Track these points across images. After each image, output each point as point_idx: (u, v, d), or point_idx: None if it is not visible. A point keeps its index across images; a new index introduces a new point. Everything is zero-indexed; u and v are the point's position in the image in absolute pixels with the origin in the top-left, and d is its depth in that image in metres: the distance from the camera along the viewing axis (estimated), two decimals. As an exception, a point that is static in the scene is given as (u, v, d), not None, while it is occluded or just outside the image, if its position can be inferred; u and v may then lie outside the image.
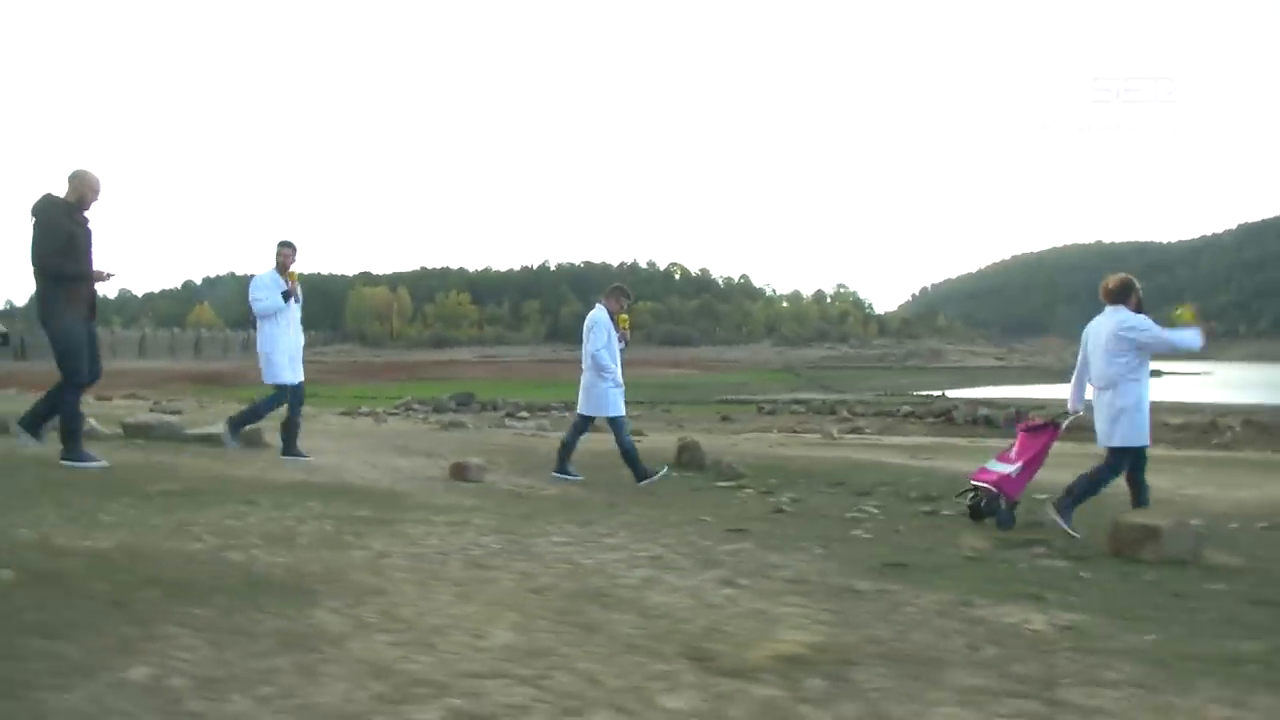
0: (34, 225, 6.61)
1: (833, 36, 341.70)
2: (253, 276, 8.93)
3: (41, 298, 6.69)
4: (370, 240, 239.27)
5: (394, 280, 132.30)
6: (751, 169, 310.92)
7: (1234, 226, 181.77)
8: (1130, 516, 6.33)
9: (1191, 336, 6.71)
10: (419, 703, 2.45)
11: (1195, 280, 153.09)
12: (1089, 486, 6.80)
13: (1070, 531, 6.49)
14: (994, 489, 7.04)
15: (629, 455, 8.80)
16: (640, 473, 8.68)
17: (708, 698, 2.63)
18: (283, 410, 8.80)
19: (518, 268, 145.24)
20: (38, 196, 6.66)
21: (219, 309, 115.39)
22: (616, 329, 9.08)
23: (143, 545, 4.09)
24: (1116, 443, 6.74)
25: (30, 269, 6.64)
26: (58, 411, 6.84)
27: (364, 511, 5.60)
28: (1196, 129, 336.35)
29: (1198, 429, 21.60)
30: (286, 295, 8.64)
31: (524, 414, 25.67)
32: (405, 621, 3.21)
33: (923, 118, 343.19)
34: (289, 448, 8.62)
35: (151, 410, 15.75)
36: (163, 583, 3.42)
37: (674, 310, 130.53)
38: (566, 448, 9.01)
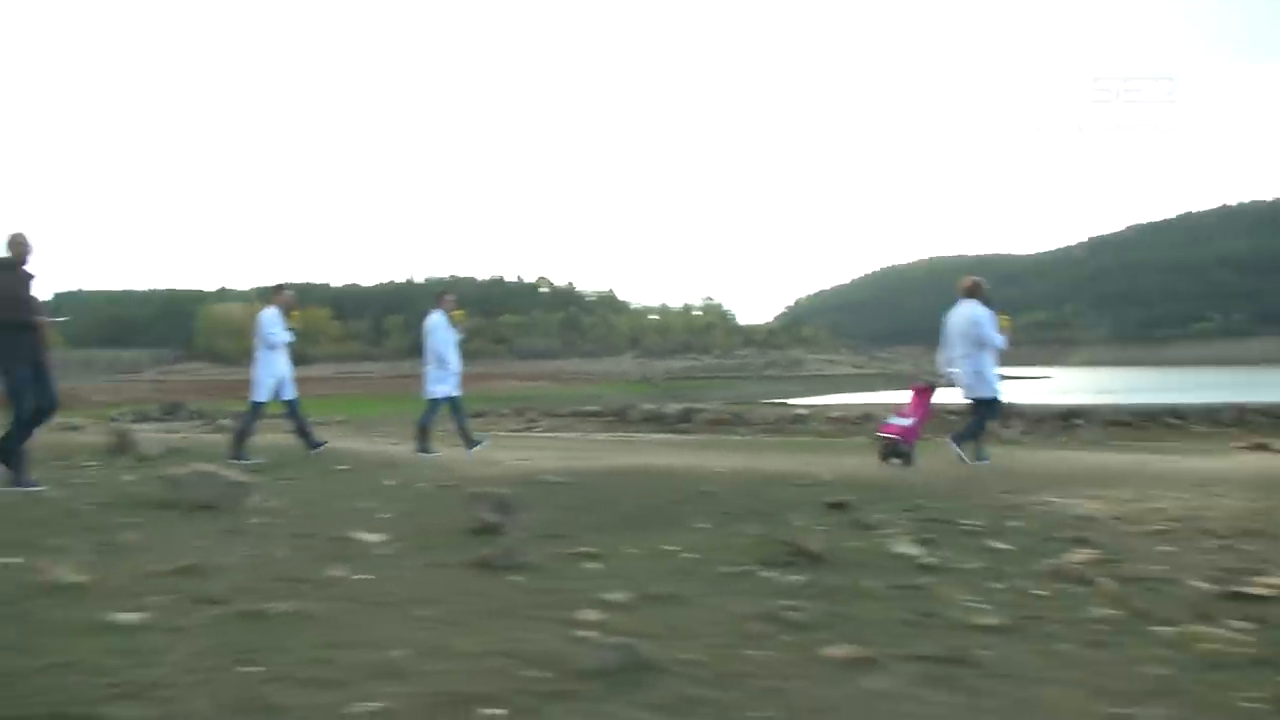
0: None
1: (695, 56, 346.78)
2: (262, 313, 10.93)
3: None
4: (229, 255, 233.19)
5: (252, 296, 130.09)
6: (621, 183, 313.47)
7: (1084, 239, 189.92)
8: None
9: (1000, 339, 9.81)
10: None
11: (1046, 290, 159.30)
12: (978, 424, 9.87)
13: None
14: (898, 437, 9.67)
15: (423, 429, 11.34)
16: (422, 447, 11.11)
17: None
18: None
19: (384, 283, 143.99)
20: None
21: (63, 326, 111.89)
22: (453, 325, 11.55)
23: None
24: (992, 393, 9.85)
25: None
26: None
27: None
28: (1052, 146, 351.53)
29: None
30: (289, 330, 10.85)
31: (226, 421, 25.97)
32: None
33: (788, 133, 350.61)
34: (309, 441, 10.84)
35: None
36: None
37: (539, 323, 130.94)
38: (463, 433, 11.55)
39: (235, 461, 9.71)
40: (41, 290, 8.09)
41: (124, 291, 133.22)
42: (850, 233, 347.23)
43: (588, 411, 27.19)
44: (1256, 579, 4.50)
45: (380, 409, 41.50)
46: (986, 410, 9.97)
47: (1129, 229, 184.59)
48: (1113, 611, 3.87)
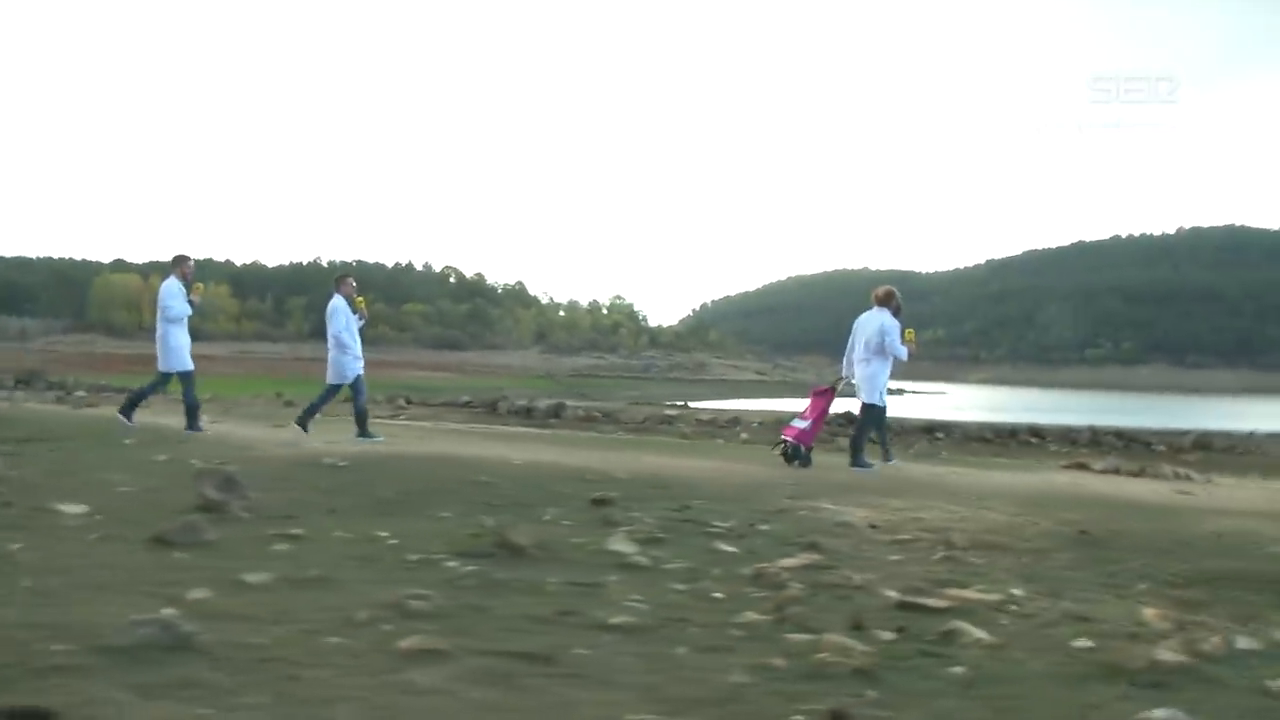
0: None
1: (614, 53, 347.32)
2: (164, 283, 11.04)
3: None
4: (128, 226, 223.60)
5: (149, 269, 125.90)
6: (536, 177, 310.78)
7: (983, 262, 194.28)
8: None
9: (904, 351, 9.79)
10: None
11: (947, 308, 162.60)
12: (861, 432, 9.98)
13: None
14: (795, 440, 9.71)
15: (359, 416, 10.84)
16: (364, 431, 10.67)
17: None
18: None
19: (288, 263, 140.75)
20: None
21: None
22: (355, 310, 11.08)
23: None
24: (876, 401, 9.85)
25: None
26: None
27: None
28: (955, 169, 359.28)
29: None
30: (191, 303, 10.84)
31: (82, 394, 25.10)
32: None
33: (705, 139, 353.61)
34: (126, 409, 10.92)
35: None
36: None
37: (445, 313, 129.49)
38: (311, 410, 11.12)
39: (194, 430, 10.41)
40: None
41: (15, 259, 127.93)
42: (759, 241, 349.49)
43: (461, 403, 26.84)
44: (948, 590, 4.44)
45: (260, 389, 40.52)
46: (870, 417, 10.02)
47: (1026, 254, 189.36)
48: (765, 618, 3.75)
